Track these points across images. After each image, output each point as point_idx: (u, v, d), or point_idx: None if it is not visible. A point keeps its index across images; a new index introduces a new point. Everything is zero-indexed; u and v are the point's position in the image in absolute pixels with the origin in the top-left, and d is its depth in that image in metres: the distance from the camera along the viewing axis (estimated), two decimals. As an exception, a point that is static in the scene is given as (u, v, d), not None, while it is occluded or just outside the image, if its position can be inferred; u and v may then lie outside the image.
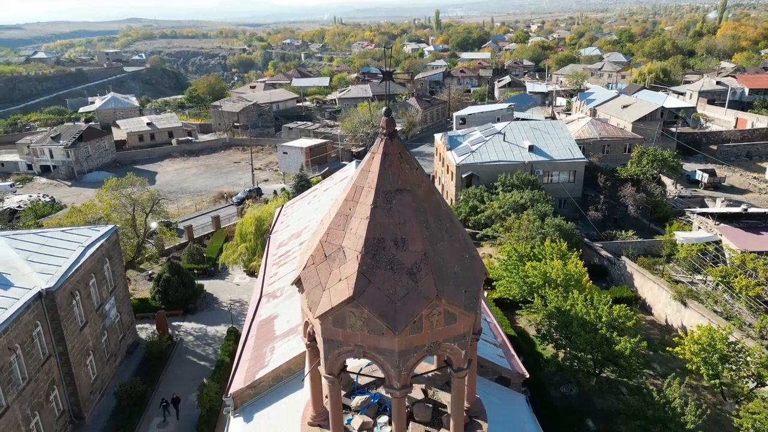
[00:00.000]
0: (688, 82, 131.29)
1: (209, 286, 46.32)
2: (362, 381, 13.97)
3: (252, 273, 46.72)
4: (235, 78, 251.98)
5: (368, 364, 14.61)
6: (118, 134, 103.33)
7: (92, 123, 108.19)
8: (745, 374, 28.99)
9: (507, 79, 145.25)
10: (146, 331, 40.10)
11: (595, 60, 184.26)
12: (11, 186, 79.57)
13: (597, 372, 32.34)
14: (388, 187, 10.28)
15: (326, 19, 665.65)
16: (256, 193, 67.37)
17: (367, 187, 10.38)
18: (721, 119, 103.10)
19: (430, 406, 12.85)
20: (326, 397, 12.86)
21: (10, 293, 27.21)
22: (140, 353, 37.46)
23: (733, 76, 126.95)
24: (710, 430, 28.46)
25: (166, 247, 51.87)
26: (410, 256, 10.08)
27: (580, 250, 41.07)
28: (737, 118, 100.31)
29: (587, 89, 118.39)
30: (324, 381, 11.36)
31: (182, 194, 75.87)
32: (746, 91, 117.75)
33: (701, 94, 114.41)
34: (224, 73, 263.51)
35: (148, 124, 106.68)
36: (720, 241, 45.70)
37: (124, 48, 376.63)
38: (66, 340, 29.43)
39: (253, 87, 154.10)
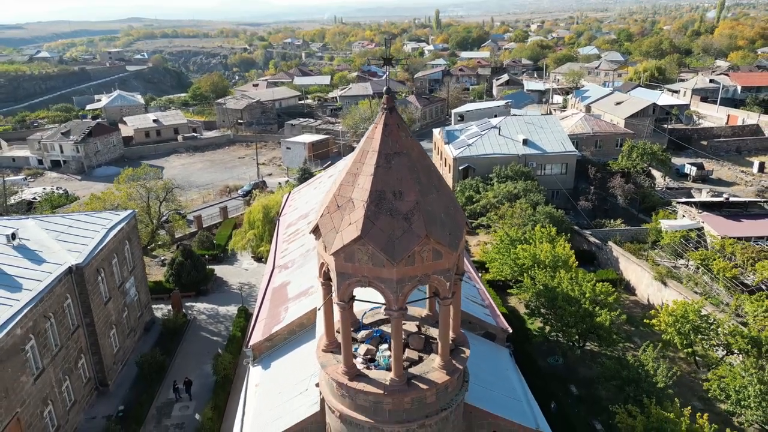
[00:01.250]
0: (683, 81, 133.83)
1: (219, 270, 48.95)
2: (366, 321, 16.64)
3: (259, 259, 49.35)
4: (236, 77, 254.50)
5: (371, 309, 17.29)
6: (125, 131, 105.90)
7: (99, 120, 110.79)
8: (715, 343, 31.63)
9: (505, 77, 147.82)
10: (161, 311, 42.76)
11: (592, 59, 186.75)
12: (24, 179, 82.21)
13: (581, 344, 35.01)
14: (388, 150, 12.94)
15: (326, 19, 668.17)
16: (262, 185, 69.96)
17: (371, 151, 13.04)
18: (714, 116, 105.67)
19: (423, 337, 15.52)
20: (338, 331, 15.54)
21: (43, 268, 29.88)
22: (156, 330, 40.09)
23: (726, 75, 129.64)
24: (684, 395, 31.00)
25: (177, 236, 54.46)
26: (406, 205, 12.73)
27: (568, 235, 43.71)
28: (729, 115, 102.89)
29: (583, 87, 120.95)
30: (336, 309, 14.01)
31: (189, 188, 78.40)
32: (739, 88, 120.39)
33: (694, 91, 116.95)
34: (225, 73, 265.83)
35: (154, 120, 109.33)
36: (702, 228, 48.36)
37: (125, 47, 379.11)
38: (92, 312, 32.06)
39: (255, 85, 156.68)
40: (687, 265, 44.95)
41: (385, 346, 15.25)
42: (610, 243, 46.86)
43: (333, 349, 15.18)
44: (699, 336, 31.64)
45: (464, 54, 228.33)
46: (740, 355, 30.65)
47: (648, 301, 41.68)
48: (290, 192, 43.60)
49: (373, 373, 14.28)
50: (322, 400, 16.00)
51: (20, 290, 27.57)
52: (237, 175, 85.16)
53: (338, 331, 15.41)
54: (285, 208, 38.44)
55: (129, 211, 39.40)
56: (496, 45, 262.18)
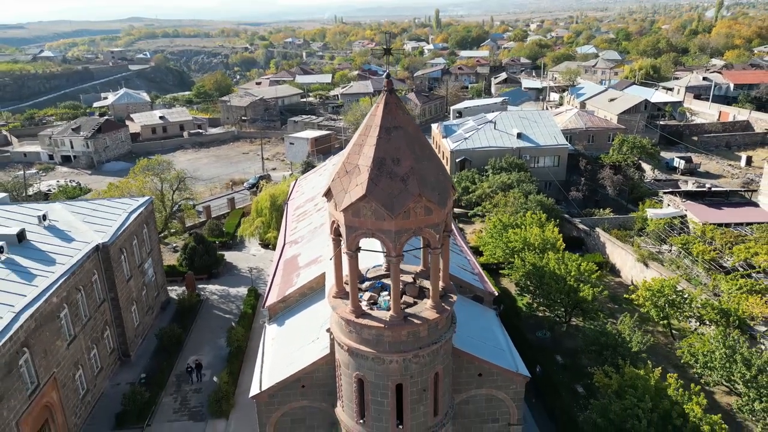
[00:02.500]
0: (678, 79, 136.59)
1: (228, 256, 51.75)
2: (369, 276, 19.45)
3: (266, 245, 52.17)
4: (238, 77, 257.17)
5: (373, 267, 20.10)
6: (132, 127, 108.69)
7: (107, 117, 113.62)
8: (688, 314, 34.44)
9: (503, 75, 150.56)
10: (175, 292, 45.57)
11: (590, 58, 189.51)
12: (36, 173, 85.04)
13: (567, 320, 37.84)
14: (388, 124, 15.74)
15: (327, 19, 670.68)
16: (267, 178, 72.80)
17: (374, 125, 15.84)
18: (706, 113, 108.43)
19: (417, 287, 18.35)
20: (346, 283, 18.34)
21: (73, 245, 32.72)
22: (171, 310, 42.90)
23: (720, 73, 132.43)
24: (660, 363, 33.78)
25: (187, 225, 57.27)
26: (402, 170, 15.53)
27: (557, 221, 46.48)
28: (720, 112, 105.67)
29: (579, 84, 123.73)
30: (345, 258, 16.82)
31: (196, 182, 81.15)
32: (731, 86, 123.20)
33: (688, 89, 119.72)
34: (227, 72, 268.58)
35: (160, 117, 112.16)
36: (685, 215, 51.17)
37: (126, 47, 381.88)
38: (117, 288, 34.88)
39: (258, 83, 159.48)
40: (670, 250, 47.74)
41: (386, 293, 18.06)
42: (598, 229, 49.66)
43: (342, 296, 17.98)
44: (674, 309, 34.44)
45: (464, 53, 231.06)
46: (711, 326, 33.45)
47: (632, 282, 44.44)
48: (296, 180, 46.46)
49: (375, 313, 17.08)
50: (332, 342, 18.82)
51: (54, 264, 30.41)
52: (242, 169, 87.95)
53: (346, 283, 18.22)
54: (293, 194, 41.29)
55: (146, 198, 42.23)
56: (495, 44, 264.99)
